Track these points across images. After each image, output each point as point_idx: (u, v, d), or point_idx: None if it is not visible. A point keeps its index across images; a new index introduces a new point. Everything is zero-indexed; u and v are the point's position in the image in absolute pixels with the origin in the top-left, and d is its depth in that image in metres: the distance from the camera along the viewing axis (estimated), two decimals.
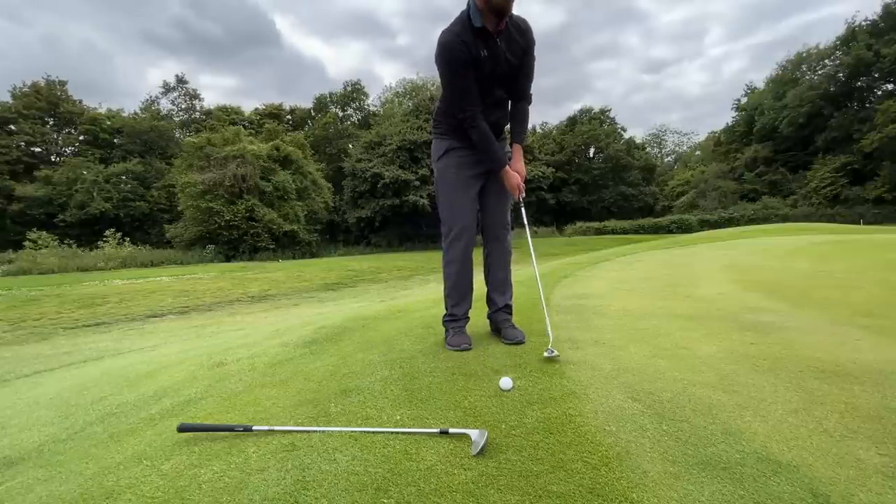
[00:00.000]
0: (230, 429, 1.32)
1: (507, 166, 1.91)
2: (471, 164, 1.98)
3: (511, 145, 2.01)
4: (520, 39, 1.83)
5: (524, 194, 1.99)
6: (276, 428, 1.31)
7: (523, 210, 2.09)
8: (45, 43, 66.48)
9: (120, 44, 76.68)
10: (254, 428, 1.30)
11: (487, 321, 2.21)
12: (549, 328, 1.87)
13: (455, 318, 2.05)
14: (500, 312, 2.12)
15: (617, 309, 2.61)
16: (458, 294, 2.05)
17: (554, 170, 41.52)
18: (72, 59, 67.21)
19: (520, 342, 1.95)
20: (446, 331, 2.05)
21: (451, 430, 1.19)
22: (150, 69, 75.28)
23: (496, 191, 2.04)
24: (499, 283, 2.14)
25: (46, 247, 19.93)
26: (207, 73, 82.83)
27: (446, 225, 2.01)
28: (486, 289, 2.18)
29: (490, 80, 1.83)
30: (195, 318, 7.09)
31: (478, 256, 2.13)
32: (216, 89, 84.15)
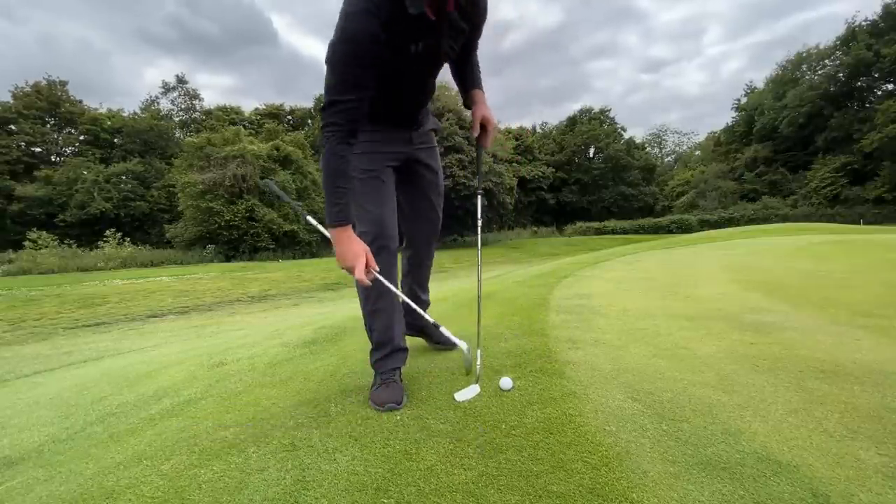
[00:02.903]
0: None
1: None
2: (387, 143, 1.53)
3: (470, 93, 1.63)
4: (465, 25, 1.36)
5: (486, 144, 1.63)
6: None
7: (479, 201, 1.72)
8: (40, 42, 66.74)
9: (115, 42, 77.19)
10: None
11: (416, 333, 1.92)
12: (477, 361, 1.53)
13: (386, 350, 1.51)
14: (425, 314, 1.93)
15: (617, 309, 2.61)
16: (385, 318, 1.52)
17: (554, 170, 41.54)
18: (67, 57, 67.60)
19: (454, 347, 1.86)
20: (375, 374, 1.52)
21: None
22: (146, 68, 75.78)
23: (417, 186, 1.65)
24: (424, 282, 1.86)
25: (46, 247, 19.94)
26: (204, 72, 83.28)
27: (360, 226, 1.46)
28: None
29: (422, 72, 1.43)
30: (195, 318, 7.09)
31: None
32: (213, 88, 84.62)
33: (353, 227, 1.33)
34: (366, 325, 1.55)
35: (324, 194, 1.31)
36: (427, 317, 1.55)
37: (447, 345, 1.91)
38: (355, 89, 1.24)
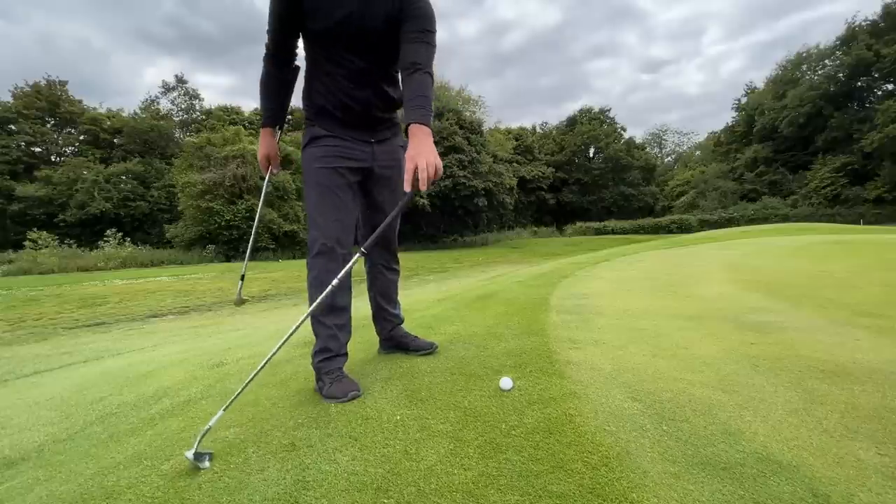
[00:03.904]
0: None
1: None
2: (346, 158, 1.56)
3: (406, 128, 1.36)
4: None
5: (425, 188, 1.30)
6: None
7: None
8: (39, 41, 66.72)
9: (114, 42, 77.30)
10: None
11: (386, 340, 1.96)
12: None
13: (330, 354, 1.55)
14: (399, 328, 1.93)
15: (617, 309, 2.61)
16: (330, 322, 1.56)
17: (554, 170, 41.59)
18: (66, 57, 67.50)
19: (434, 348, 1.90)
20: (318, 378, 1.55)
21: None
22: (144, 67, 75.94)
23: (383, 196, 1.68)
24: (390, 295, 1.88)
25: (46, 247, 19.92)
26: (203, 72, 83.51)
27: (311, 235, 1.54)
28: (370, 307, 1.92)
29: (336, 38, 1.43)
30: (195, 318, 7.09)
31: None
32: (213, 88, 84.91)
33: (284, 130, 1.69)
34: (312, 326, 1.58)
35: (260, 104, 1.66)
36: (402, 330, 1.86)
37: (426, 350, 1.89)
38: (276, 22, 1.49)
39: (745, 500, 0.88)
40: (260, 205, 2.13)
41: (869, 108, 30.68)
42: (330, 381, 1.50)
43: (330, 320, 1.56)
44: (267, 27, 1.51)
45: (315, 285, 1.52)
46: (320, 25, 1.43)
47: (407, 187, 1.29)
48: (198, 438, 1.17)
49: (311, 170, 1.55)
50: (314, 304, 1.42)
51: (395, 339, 1.93)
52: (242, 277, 2.07)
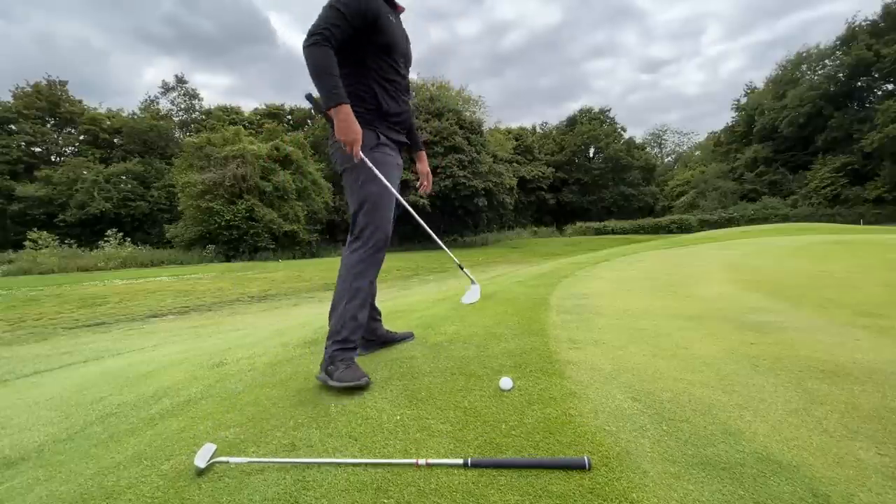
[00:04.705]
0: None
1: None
2: (399, 168, 1.83)
3: (415, 154, 2.05)
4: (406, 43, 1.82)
5: (428, 190, 2.12)
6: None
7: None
8: (38, 41, 66.72)
9: (113, 41, 77.23)
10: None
11: (371, 340, 2.03)
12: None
13: (351, 345, 1.64)
14: (381, 325, 2.07)
15: (617, 309, 2.61)
16: (361, 317, 1.67)
17: (554, 170, 41.61)
18: (65, 57, 67.47)
19: (412, 335, 2.17)
20: (331, 363, 1.60)
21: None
22: (143, 67, 75.89)
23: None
24: (374, 293, 1.95)
25: (46, 247, 19.92)
26: (202, 72, 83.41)
27: (369, 230, 1.65)
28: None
29: (398, 52, 1.72)
30: (195, 318, 7.08)
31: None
32: (212, 88, 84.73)
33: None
34: (339, 318, 1.65)
35: (317, 86, 1.52)
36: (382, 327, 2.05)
37: (408, 338, 2.14)
38: (349, 28, 1.54)
39: (745, 500, 0.88)
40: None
41: (869, 108, 30.67)
42: (345, 366, 1.57)
43: (362, 315, 1.68)
44: (333, 21, 1.52)
45: (368, 277, 1.68)
46: (393, 40, 1.66)
47: (425, 191, 2.09)
48: (211, 458, 1.14)
49: (382, 173, 1.67)
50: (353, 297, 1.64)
51: (382, 338, 2.07)
52: (461, 267, 2.05)
